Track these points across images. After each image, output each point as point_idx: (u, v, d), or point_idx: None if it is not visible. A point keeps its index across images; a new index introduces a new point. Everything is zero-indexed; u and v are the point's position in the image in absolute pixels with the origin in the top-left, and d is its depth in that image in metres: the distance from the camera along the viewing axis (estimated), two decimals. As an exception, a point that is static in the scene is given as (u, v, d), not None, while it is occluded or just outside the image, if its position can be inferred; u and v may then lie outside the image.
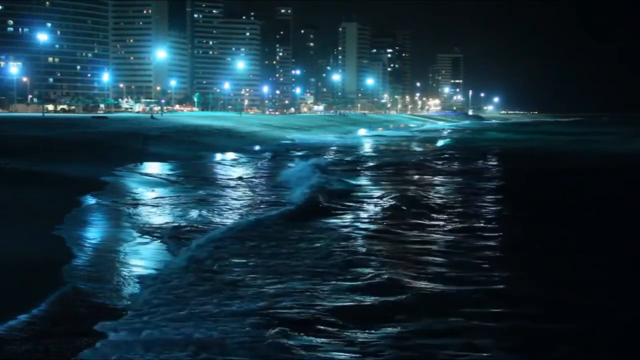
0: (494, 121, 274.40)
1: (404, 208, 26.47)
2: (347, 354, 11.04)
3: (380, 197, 30.13)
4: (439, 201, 29.52)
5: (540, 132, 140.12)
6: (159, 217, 24.05)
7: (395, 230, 22.02)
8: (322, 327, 12.15)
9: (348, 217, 24.50)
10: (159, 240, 19.91)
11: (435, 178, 40.81)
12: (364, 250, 18.73)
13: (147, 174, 39.17)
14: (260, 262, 17.04)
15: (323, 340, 11.54)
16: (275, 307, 13.15)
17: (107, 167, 38.72)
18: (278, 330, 11.69)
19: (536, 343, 11.67)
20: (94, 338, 11.24)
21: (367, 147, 78.84)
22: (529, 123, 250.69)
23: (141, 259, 17.63)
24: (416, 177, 41.77)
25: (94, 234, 20.58)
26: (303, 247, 18.97)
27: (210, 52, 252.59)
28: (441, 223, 23.67)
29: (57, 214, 22.19)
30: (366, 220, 24.17)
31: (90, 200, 26.57)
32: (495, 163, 55.17)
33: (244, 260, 17.14)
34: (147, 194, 30.25)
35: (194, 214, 24.83)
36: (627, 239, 21.13)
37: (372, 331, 12.03)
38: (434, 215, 25.24)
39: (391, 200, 28.73)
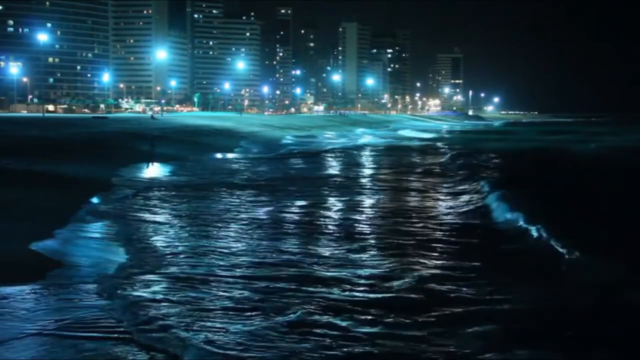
0: (495, 123, 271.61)
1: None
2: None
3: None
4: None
5: (479, 131, 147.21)
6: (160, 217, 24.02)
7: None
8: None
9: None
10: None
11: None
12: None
13: (148, 174, 39.15)
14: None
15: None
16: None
17: (109, 168, 38.62)
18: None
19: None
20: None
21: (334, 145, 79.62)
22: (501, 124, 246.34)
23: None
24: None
25: (96, 234, 20.46)
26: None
27: (210, 52, 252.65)
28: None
29: (61, 216, 22.09)
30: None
31: (95, 201, 26.50)
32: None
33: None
34: (148, 194, 30.18)
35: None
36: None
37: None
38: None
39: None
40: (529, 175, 39.22)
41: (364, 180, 38.70)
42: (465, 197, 29.98)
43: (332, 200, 29.88)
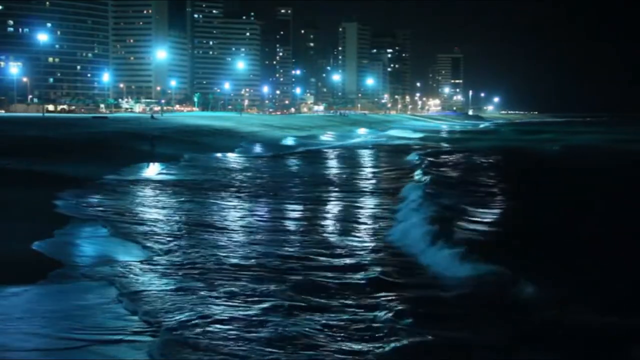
0: (485, 123, 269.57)
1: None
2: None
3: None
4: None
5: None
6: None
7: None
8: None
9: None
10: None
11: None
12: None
13: (148, 174, 39.20)
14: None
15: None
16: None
17: (109, 168, 38.67)
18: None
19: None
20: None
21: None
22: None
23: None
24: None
25: (96, 233, 20.48)
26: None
27: (210, 52, 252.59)
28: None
29: (61, 215, 22.11)
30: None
31: (94, 201, 26.54)
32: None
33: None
34: (148, 195, 30.22)
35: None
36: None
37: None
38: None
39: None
40: (471, 177, 42.06)
41: (327, 181, 38.99)
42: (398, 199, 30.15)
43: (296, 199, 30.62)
